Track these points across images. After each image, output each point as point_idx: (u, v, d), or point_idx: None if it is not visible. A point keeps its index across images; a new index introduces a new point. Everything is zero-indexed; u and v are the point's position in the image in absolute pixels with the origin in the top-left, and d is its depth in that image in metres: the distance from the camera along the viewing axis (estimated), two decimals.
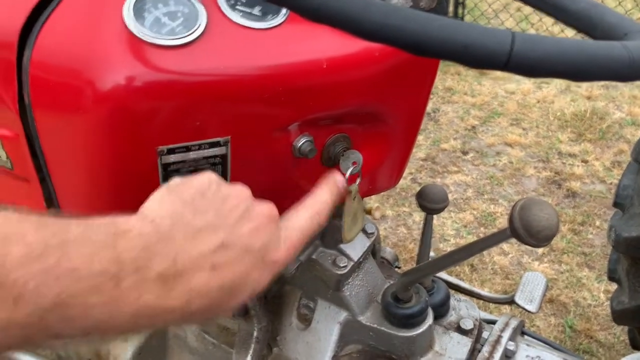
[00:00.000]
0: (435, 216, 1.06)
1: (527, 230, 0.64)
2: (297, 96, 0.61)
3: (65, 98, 0.58)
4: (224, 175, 0.65)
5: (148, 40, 0.55)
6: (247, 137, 0.62)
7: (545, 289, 1.39)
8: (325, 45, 0.61)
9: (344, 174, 0.69)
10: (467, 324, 1.01)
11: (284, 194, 0.72)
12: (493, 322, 1.11)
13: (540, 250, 2.61)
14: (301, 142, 0.66)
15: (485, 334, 1.00)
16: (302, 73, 0.60)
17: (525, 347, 1.00)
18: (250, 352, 0.97)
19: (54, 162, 0.63)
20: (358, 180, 0.70)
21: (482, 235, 2.75)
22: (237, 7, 0.60)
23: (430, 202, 0.95)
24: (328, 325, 0.98)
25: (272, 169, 0.67)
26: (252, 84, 0.59)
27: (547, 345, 1.06)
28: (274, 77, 0.59)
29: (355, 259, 0.94)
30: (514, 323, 1.02)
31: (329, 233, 0.93)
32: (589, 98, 3.85)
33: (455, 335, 1.00)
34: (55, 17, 0.58)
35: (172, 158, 0.61)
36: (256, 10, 0.61)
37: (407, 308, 0.93)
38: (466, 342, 0.99)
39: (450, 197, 3.08)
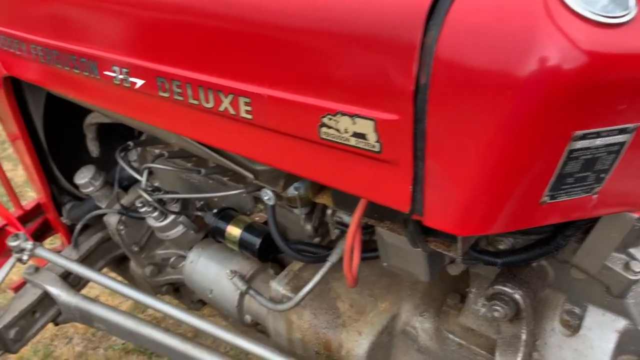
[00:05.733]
0: None
1: None
2: None
3: (477, 78, 0.56)
4: (610, 165, 0.61)
5: (587, 16, 0.53)
6: None
7: None
8: None
9: None
10: None
11: None
12: None
13: None
14: None
15: None
16: None
17: None
18: (520, 355, 0.93)
19: (437, 145, 0.62)
20: None
21: None
22: None
23: None
24: (603, 333, 0.93)
25: None
26: None
27: None
28: None
29: None
30: None
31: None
32: None
33: None
34: None
35: (580, 144, 0.58)
36: None
37: None
38: None
39: None
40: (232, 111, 0.80)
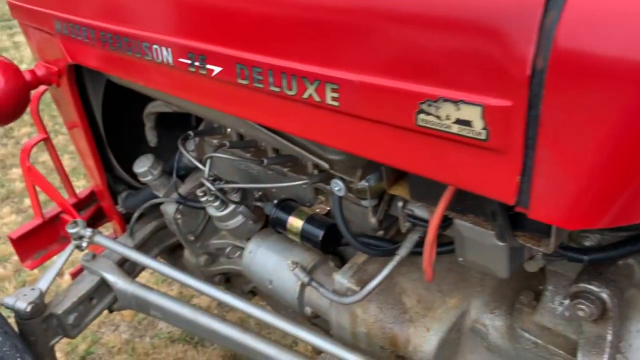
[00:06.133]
0: None
1: None
2: None
3: (601, 64, 0.53)
4: None
5: None
6: None
7: None
8: None
9: None
10: None
11: None
12: None
13: None
14: None
15: None
16: None
17: None
18: (606, 357, 0.89)
19: (550, 133, 0.59)
20: None
21: None
22: None
23: None
24: None
25: None
26: None
27: None
28: None
29: None
30: None
31: None
32: None
33: None
34: None
35: None
36: None
37: None
38: None
39: None
40: (317, 98, 0.78)
